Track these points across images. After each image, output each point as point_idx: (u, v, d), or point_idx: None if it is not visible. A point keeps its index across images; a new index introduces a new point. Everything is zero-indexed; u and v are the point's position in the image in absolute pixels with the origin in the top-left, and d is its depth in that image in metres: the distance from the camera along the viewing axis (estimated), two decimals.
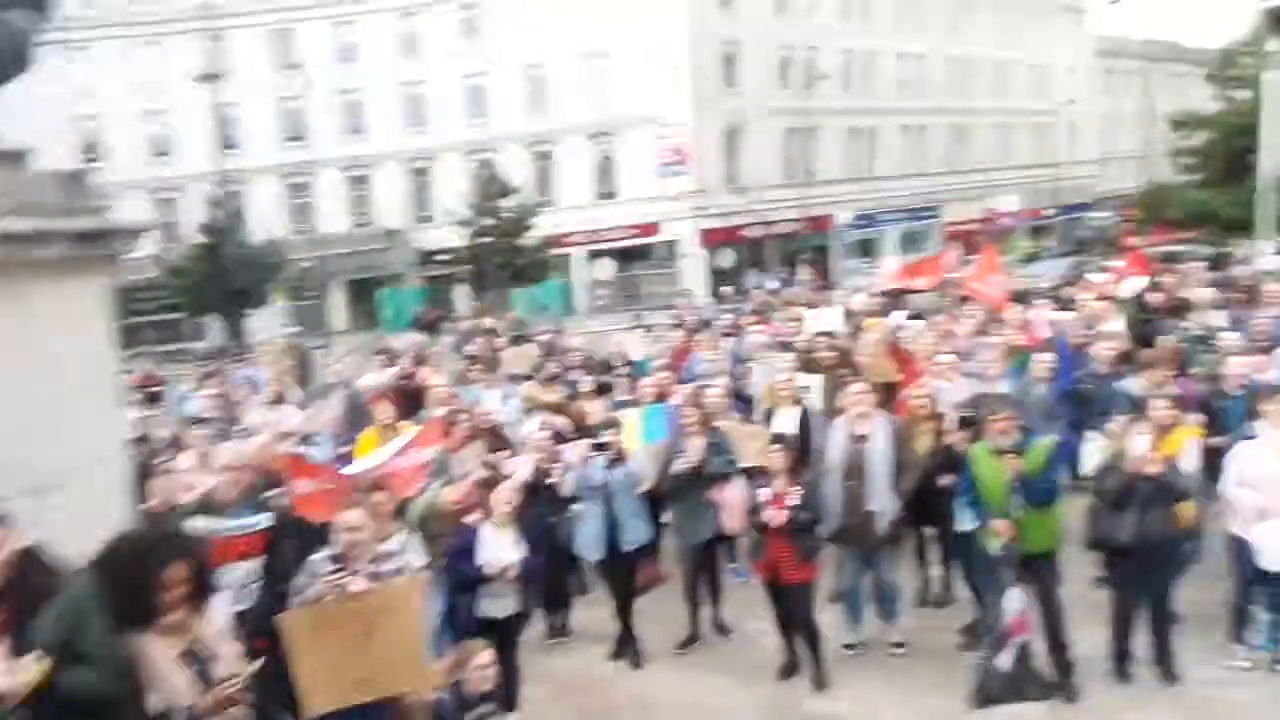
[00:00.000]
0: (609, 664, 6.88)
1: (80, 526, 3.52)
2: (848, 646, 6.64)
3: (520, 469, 6.90)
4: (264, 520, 4.74)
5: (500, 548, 5.71)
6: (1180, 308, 11.01)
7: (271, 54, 40.44)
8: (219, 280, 29.15)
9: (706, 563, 6.96)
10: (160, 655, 3.24)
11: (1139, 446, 5.55)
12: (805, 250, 37.60)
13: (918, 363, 9.23)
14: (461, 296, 37.43)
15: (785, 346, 11.32)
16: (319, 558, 4.41)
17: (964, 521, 6.20)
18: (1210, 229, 22.08)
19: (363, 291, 41.51)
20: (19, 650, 2.86)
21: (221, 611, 3.83)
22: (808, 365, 9.50)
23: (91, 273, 4.63)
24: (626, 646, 6.91)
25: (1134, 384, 7.36)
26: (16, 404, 3.76)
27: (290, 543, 4.86)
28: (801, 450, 7.48)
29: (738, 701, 6.18)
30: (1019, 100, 52.70)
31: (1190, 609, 6.40)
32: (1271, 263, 17.04)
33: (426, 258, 40.10)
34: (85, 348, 4.45)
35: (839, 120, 43.67)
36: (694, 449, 6.67)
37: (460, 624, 5.75)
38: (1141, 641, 5.86)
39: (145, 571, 3.22)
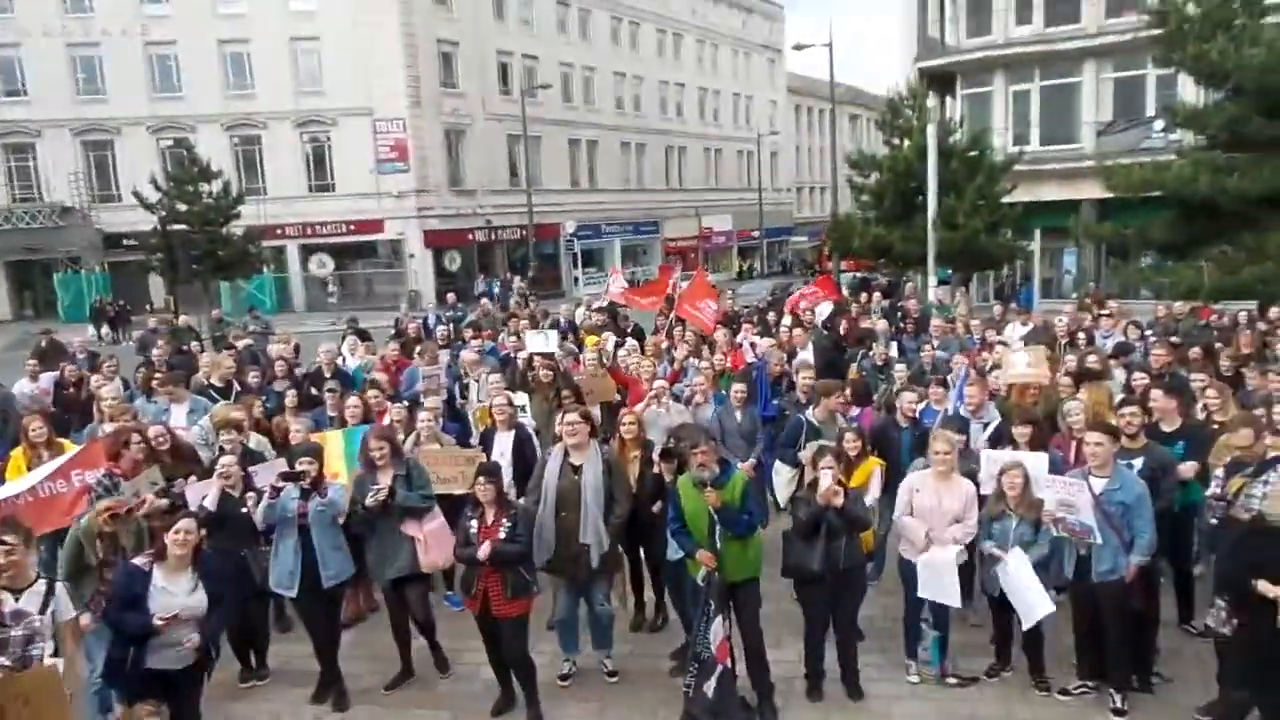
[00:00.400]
0: (309, 707, 6.36)
1: None
2: (562, 678, 6.58)
3: (205, 498, 6.18)
4: None
5: (175, 593, 5.05)
6: (865, 338, 12.12)
7: None
8: None
9: (412, 597, 6.57)
10: None
11: (825, 480, 5.92)
12: (533, 257, 37.72)
13: (637, 384, 9.44)
14: (156, 287, 33.65)
15: (506, 362, 11.18)
16: None
17: (671, 550, 6.35)
18: (888, 261, 24.75)
19: (27, 275, 36.15)
20: None
21: None
22: (524, 384, 9.40)
23: None
24: (330, 688, 6.43)
25: (813, 414, 7.83)
26: None
27: None
28: (518, 474, 7.42)
29: None
30: (725, 127, 57.07)
31: (872, 625, 7.03)
32: (941, 294, 19.44)
33: (111, 242, 35.58)
34: None
35: (560, 131, 44.74)
36: (384, 480, 6.31)
37: (128, 678, 5.01)
38: (831, 659, 6.28)
39: None
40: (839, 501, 5.87)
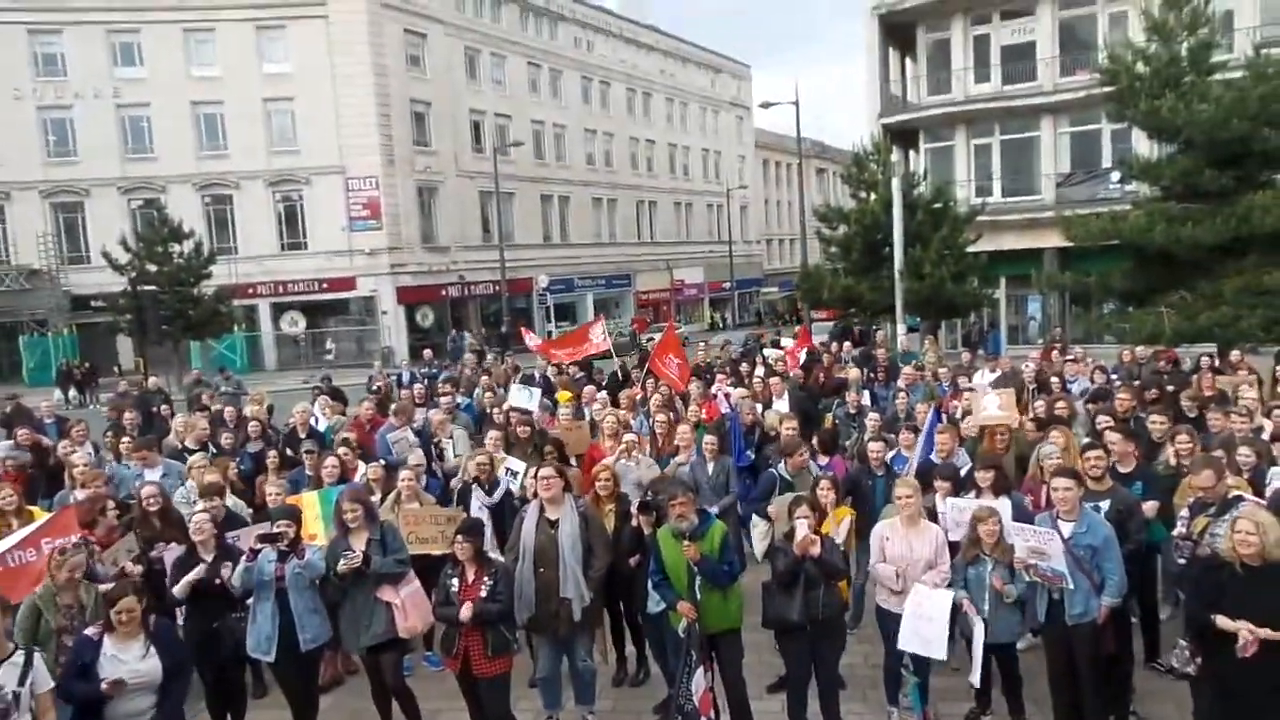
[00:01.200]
0: None
1: None
2: None
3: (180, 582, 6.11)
4: None
5: (125, 660, 5.04)
6: (840, 387, 12.28)
7: None
8: None
9: (386, 664, 6.40)
10: None
11: (800, 530, 5.97)
12: (506, 311, 37.83)
13: (597, 446, 9.38)
14: (125, 349, 33.29)
15: (482, 418, 11.18)
16: None
17: (652, 603, 6.36)
18: (858, 311, 25.10)
19: None
20: None
21: None
22: (507, 442, 9.38)
23: None
24: None
25: (784, 468, 7.91)
26: None
27: None
28: (499, 530, 7.43)
29: None
30: (695, 182, 58.20)
31: (852, 673, 7.05)
32: (909, 341, 19.71)
33: (79, 303, 35.23)
34: None
35: (532, 187, 45.39)
36: (358, 545, 6.20)
37: None
38: (814, 709, 6.27)
39: None
40: (815, 551, 5.92)
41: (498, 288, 38.44)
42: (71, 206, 37.12)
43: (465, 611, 5.74)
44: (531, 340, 17.32)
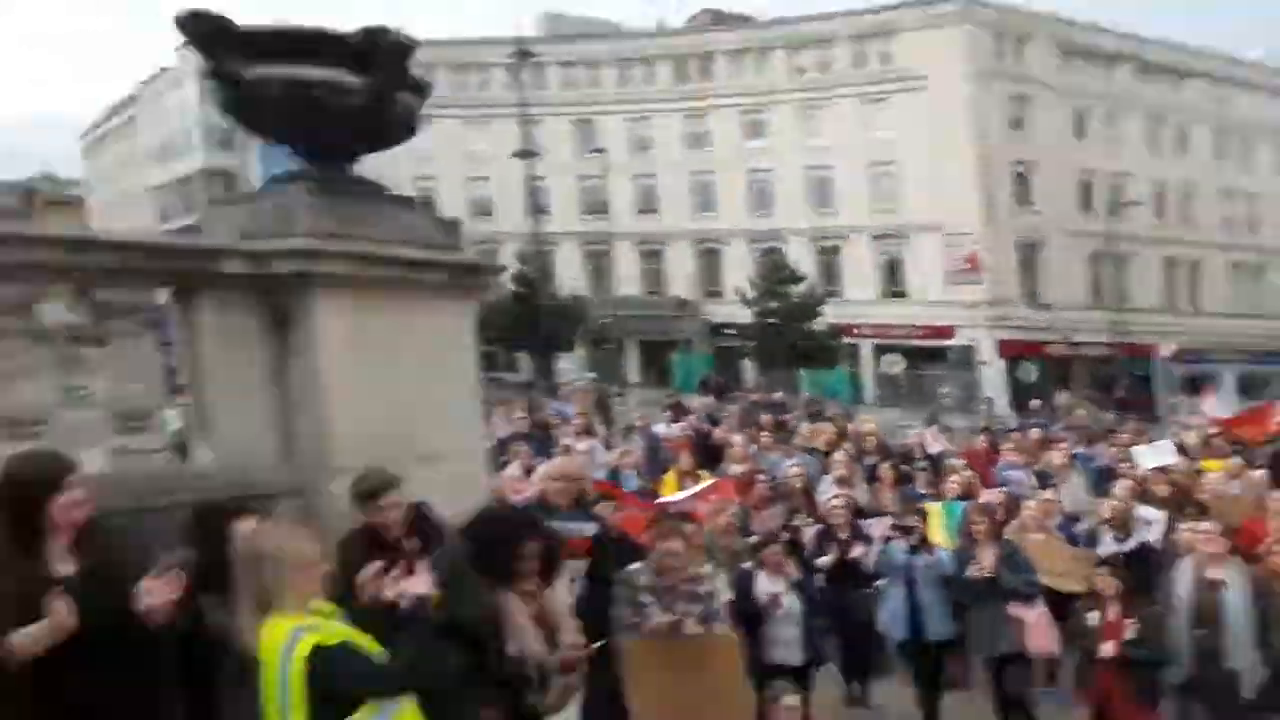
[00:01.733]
0: None
1: (453, 496, 3.89)
2: None
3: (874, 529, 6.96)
4: (590, 528, 4.98)
5: (776, 590, 5.87)
6: None
7: (577, 139, 43.91)
8: (531, 324, 31.77)
9: (1011, 675, 6.30)
10: (517, 612, 3.63)
11: None
12: (1122, 376, 34.42)
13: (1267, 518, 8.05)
14: (747, 369, 38.25)
15: (1109, 475, 10.40)
16: (634, 571, 4.58)
17: None
18: None
19: (654, 352, 43.58)
20: None
21: (564, 591, 4.11)
22: (1144, 497, 8.62)
23: (462, 298, 5.20)
24: None
25: None
26: (408, 391, 4.23)
27: (611, 551, 5.08)
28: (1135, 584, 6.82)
29: None
30: None
31: None
32: None
33: (715, 330, 41.52)
34: (457, 354, 4.99)
35: (1153, 249, 41.15)
36: (985, 559, 6.21)
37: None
38: None
39: (508, 539, 3.67)
40: None
41: (1109, 351, 35.20)
42: (712, 251, 43.97)
43: (1109, 648, 5.39)
44: (1210, 406, 15.49)
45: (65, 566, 2.87)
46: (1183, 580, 5.77)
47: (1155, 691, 5.54)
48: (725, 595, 5.64)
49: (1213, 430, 13.57)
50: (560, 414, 13.25)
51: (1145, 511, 7.75)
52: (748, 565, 6.09)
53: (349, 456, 3.67)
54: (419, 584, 3.04)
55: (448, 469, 4.12)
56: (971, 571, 6.24)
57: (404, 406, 4.06)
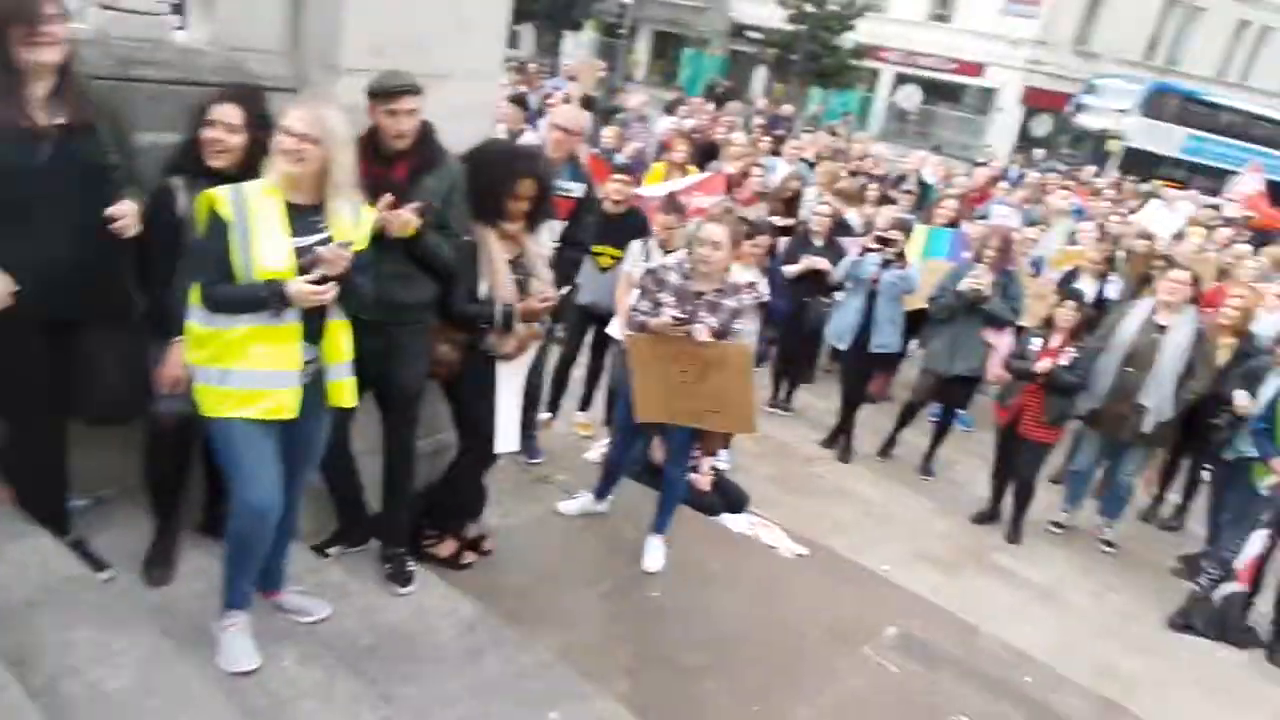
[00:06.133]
0: (819, 449, 7.09)
1: (458, 122, 3.74)
2: (1055, 525, 6.51)
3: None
4: (577, 189, 4.97)
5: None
6: None
7: None
8: None
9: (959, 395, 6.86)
10: (496, 251, 3.71)
11: None
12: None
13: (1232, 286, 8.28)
14: (759, 79, 36.43)
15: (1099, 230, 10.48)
16: (665, 268, 4.23)
17: (1235, 450, 5.75)
18: None
19: (665, 47, 41.12)
20: (404, 202, 3.28)
21: (546, 240, 4.15)
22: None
23: None
24: (839, 441, 7.08)
25: None
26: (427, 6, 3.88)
27: (592, 219, 5.14)
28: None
29: (930, 524, 6.29)
30: None
31: None
32: None
33: (737, 30, 38.86)
34: None
35: (1227, 8, 37.31)
36: (985, 277, 6.38)
37: None
38: None
39: (504, 175, 3.67)
40: None
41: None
42: None
43: (1042, 364, 5.75)
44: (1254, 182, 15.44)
45: (48, 116, 2.83)
46: (1133, 320, 6.02)
47: (1064, 416, 5.98)
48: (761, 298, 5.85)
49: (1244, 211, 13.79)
50: (557, 90, 12.83)
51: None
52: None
53: (360, 58, 3.52)
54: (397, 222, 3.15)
55: (459, 90, 3.85)
56: (967, 283, 6.37)
57: (424, 17, 3.76)
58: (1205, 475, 6.59)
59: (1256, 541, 5.28)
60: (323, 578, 3.65)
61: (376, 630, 3.45)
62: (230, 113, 3.05)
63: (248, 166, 2.98)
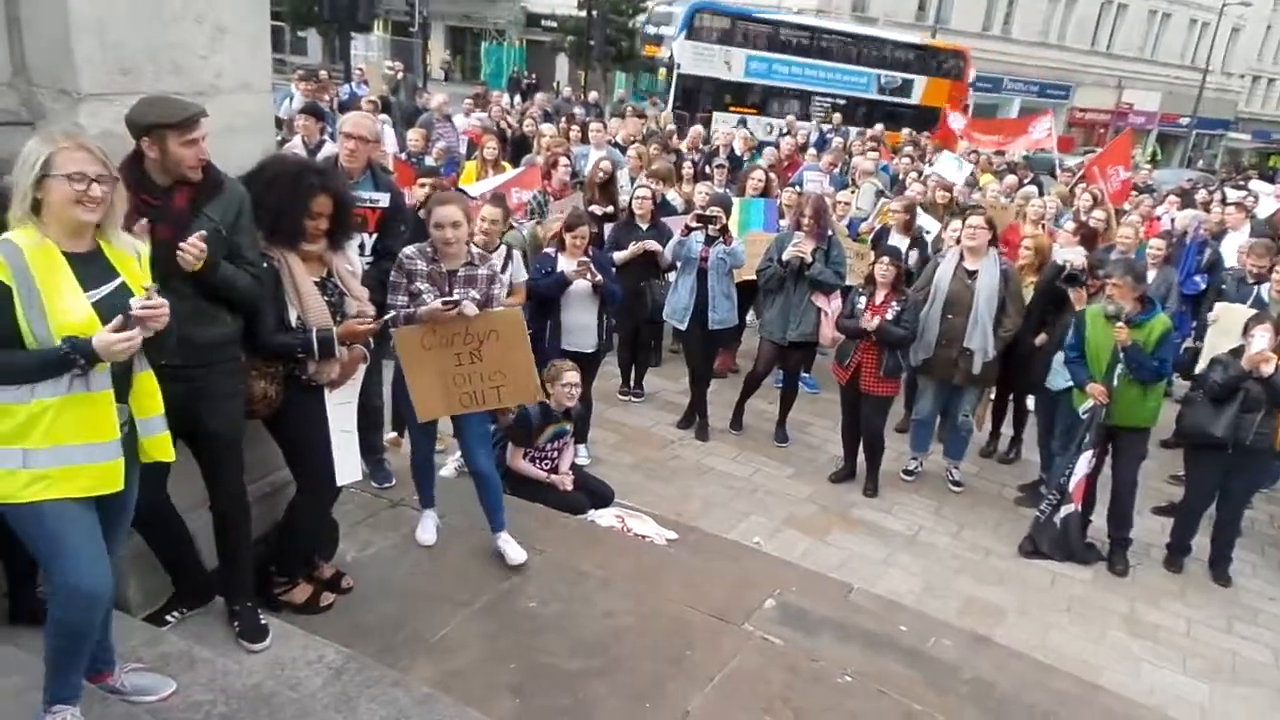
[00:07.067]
0: (675, 430, 7.08)
1: (231, 140, 3.43)
2: (907, 473, 6.75)
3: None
4: (382, 198, 4.66)
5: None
6: None
7: None
8: None
9: (796, 359, 6.98)
10: (300, 274, 3.41)
11: (1257, 344, 5.34)
12: None
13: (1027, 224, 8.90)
14: (561, 67, 36.29)
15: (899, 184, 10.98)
16: (410, 255, 4.08)
17: (1056, 380, 6.11)
18: None
19: (462, 42, 40.35)
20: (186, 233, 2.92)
21: (354, 257, 3.85)
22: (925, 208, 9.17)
23: None
24: (694, 420, 7.07)
25: (1265, 290, 7.01)
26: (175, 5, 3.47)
27: (404, 227, 4.84)
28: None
29: (793, 490, 6.38)
30: None
31: (1253, 528, 6.48)
32: None
33: (532, 20, 38.55)
34: None
35: None
36: (805, 245, 6.48)
37: (546, 353, 5.89)
38: (1201, 541, 5.90)
39: (294, 193, 3.35)
40: (1268, 370, 5.28)
41: None
42: None
43: (872, 322, 5.90)
44: (957, 121, 16.28)
45: None
46: (945, 270, 6.32)
47: (898, 367, 6.20)
48: (519, 276, 5.67)
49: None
50: (352, 95, 12.23)
51: (924, 220, 8.29)
52: (549, 249, 6.05)
53: (103, 80, 3.06)
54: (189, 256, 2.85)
55: (228, 106, 3.52)
56: (790, 251, 6.45)
57: (171, 29, 3.34)
58: (1030, 406, 6.97)
59: (1083, 463, 5.62)
60: (163, 649, 3.24)
61: (232, 696, 3.07)
62: None
63: None
